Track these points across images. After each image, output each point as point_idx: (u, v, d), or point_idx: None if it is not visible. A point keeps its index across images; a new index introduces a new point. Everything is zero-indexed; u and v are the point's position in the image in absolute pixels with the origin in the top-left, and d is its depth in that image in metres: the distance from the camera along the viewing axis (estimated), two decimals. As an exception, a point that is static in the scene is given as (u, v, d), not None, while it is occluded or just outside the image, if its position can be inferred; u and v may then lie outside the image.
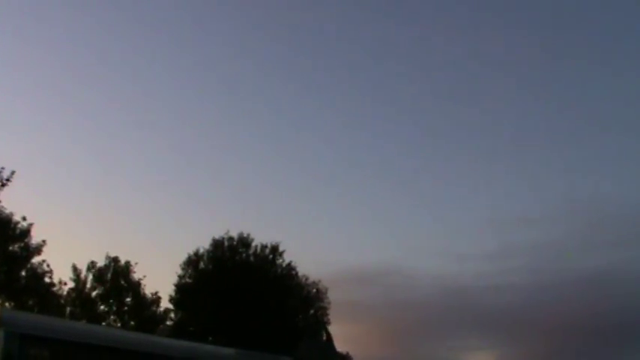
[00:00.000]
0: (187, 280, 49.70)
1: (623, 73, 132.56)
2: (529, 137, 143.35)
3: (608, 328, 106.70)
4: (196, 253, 50.33)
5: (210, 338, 44.94)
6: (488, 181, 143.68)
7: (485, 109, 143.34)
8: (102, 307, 45.95)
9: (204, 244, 50.65)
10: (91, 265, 46.20)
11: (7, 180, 33.90)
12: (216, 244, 50.43)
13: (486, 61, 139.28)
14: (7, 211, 37.38)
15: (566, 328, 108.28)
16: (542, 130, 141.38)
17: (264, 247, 50.80)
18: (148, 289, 47.77)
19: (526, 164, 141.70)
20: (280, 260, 51.09)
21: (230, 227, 51.63)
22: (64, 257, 51.01)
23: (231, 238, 50.52)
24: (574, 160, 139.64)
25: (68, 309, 44.42)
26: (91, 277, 46.00)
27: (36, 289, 39.76)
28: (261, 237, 51.36)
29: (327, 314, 52.02)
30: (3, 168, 33.69)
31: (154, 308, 48.24)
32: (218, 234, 50.88)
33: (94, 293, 45.77)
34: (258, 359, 5.41)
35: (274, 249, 50.84)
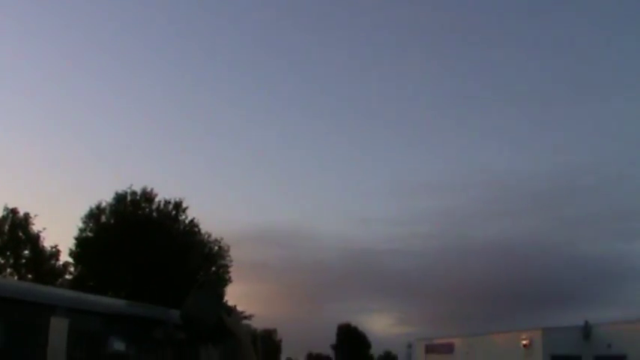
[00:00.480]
0: (88, 234, 49.06)
1: (528, 48, 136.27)
2: (435, 108, 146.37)
3: (504, 293, 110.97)
4: (98, 207, 49.64)
5: (110, 293, 44.68)
6: (394, 148, 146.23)
7: (393, 78, 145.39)
8: (-1, 259, 45.12)
9: (106, 198, 50.09)
10: (-12, 217, 45.24)
11: None
12: (119, 198, 49.87)
13: (394, 28, 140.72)
14: None
15: (465, 292, 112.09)
16: (448, 102, 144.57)
17: (167, 202, 50.55)
18: (47, 242, 47.16)
19: (433, 134, 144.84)
20: (183, 217, 51.04)
21: (134, 181, 51.25)
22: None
23: (134, 193, 50.05)
24: (478, 132, 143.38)
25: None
26: (-13, 228, 45.09)
27: None
28: (165, 192, 51.19)
29: (228, 272, 52.41)
30: None
31: (53, 262, 47.61)
32: (121, 188, 50.40)
33: (-10, 245, 44.87)
34: (144, 311, 5.57)
35: (177, 205, 50.66)
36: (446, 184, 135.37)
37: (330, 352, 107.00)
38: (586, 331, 63.16)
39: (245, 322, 54.81)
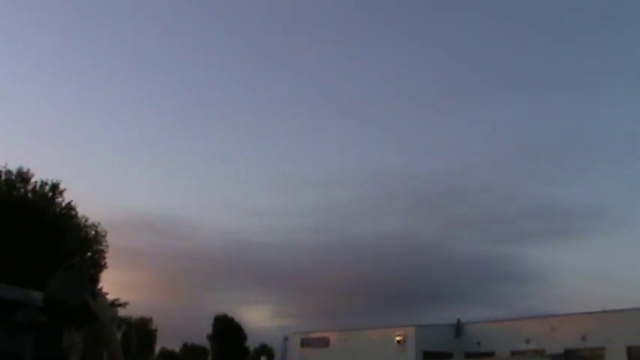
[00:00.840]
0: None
1: (418, 47, 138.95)
2: (323, 104, 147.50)
3: (381, 290, 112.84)
4: (-30, 186, 47.48)
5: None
6: (281, 141, 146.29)
7: (280, 72, 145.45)
8: None
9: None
10: None
11: None
12: (-7, 177, 47.88)
13: (274, 19, 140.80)
14: None
15: (343, 288, 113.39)
16: (335, 98, 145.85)
17: (44, 183, 48.84)
18: None
19: (319, 129, 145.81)
20: (60, 199, 49.44)
21: (9, 160, 49.19)
22: None
23: (9, 172, 48.07)
24: (364, 129, 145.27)
25: None
26: None
27: None
28: (41, 173, 49.45)
29: (104, 257, 51.17)
30: None
31: None
32: (-5, 166, 48.26)
33: None
34: (2, 292, 5.27)
35: (54, 187, 49.03)
36: (330, 179, 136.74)
37: (206, 343, 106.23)
38: (457, 328, 65.15)
39: (119, 309, 53.72)
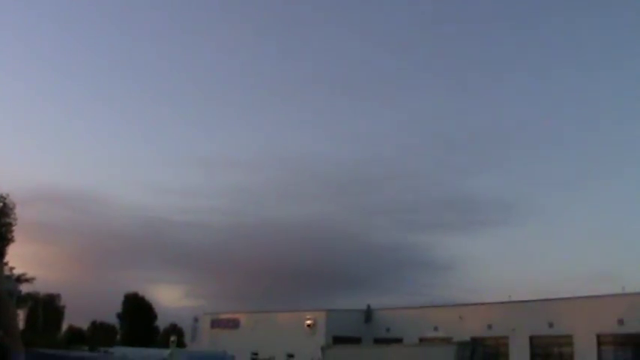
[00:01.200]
0: None
1: (343, 37, 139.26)
2: (246, 87, 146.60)
3: (295, 273, 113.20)
4: None
5: None
6: (196, 121, 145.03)
7: (197, 54, 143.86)
8: None
9: None
10: None
11: None
12: None
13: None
14: None
15: (256, 270, 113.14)
16: (256, 82, 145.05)
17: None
18: None
19: (237, 111, 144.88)
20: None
21: None
22: None
23: None
24: (283, 114, 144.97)
25: None
26: None
27: None
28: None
29: (12, 231, 49.71)
30: None
31: None
32: None
33: None
34: None
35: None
36: (247, 162, 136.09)
37: (116, 322, 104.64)
38: (367, 314, 65.83)
39: (26, 285, 52.21)
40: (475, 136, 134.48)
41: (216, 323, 73.33)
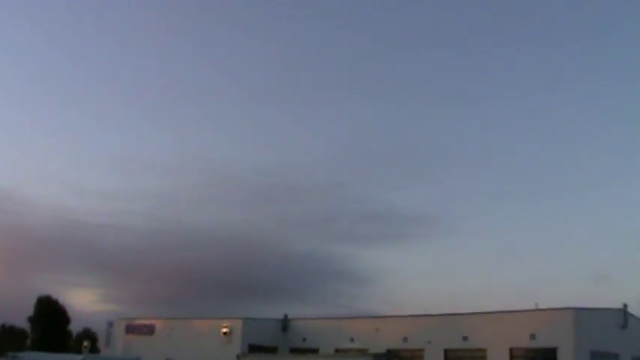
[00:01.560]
0: None
1: (271, 42, 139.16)
2: (169, 91, 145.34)
3: (212, 280, 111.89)
4: None
5: None
6: (118, 122, 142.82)
7: (128, 55, 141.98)
8: None
9: None
10: None
11: None
12: None
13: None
14: None
15: (173, 276, 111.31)
16: (178, 86, 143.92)
17: None
18: None
19: (157, 116, 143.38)
20: None
21: None
22: None
23: None
24: (204, 120, 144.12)
25: None
26: None
27: None
28: None
29: None
30: None
31: None
32: None
33: None
34: None
35: None
36: (166, 165, 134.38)
37: (27, 325, 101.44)
38: (284, 324, 65.51)
39: None
40: (399, 150, 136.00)
41: (131, 329, 71.77)
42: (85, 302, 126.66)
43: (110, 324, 74.71)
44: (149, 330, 69.90)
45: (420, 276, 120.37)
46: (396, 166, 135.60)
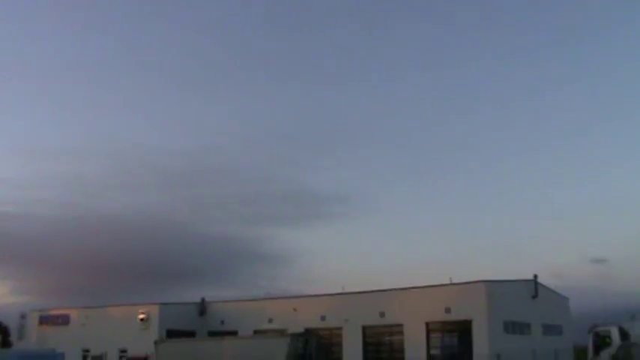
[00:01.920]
0: None
1: (182, 26, 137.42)
2: (76, 73, 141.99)
3: (127, 267, 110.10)
4: None
5: None
6: (18, 109, 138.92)
7: (30, 42, 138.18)
8: None
9: None
10: None
11: None
12: None
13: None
14: None
15: (87, 264, 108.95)
16: (87, 69, 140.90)
17: None
18: None
19: (62, 100, 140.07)
20: None
21: None
22: None
23: None
24: (115, 103, 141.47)
25: None
26: None
27: None
28: None
29: None
30: None
31: None
32: None
33: None
34: None
35: None
36: (75, 150, 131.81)
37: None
38: (202, 307, 65.13)
39: None
40: (312, 131, 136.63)
41: (45, 320, 70.14)
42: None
43: (23, 316, 72.82)
44: (64, 320, 68.47)
45: (337, 255, 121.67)
46: (310, 147, 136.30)
